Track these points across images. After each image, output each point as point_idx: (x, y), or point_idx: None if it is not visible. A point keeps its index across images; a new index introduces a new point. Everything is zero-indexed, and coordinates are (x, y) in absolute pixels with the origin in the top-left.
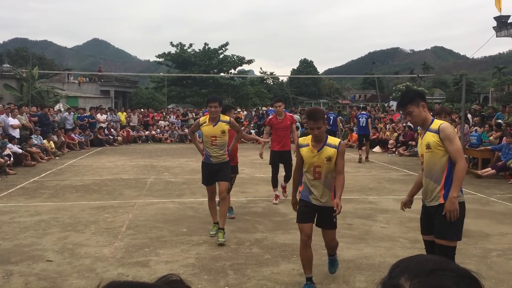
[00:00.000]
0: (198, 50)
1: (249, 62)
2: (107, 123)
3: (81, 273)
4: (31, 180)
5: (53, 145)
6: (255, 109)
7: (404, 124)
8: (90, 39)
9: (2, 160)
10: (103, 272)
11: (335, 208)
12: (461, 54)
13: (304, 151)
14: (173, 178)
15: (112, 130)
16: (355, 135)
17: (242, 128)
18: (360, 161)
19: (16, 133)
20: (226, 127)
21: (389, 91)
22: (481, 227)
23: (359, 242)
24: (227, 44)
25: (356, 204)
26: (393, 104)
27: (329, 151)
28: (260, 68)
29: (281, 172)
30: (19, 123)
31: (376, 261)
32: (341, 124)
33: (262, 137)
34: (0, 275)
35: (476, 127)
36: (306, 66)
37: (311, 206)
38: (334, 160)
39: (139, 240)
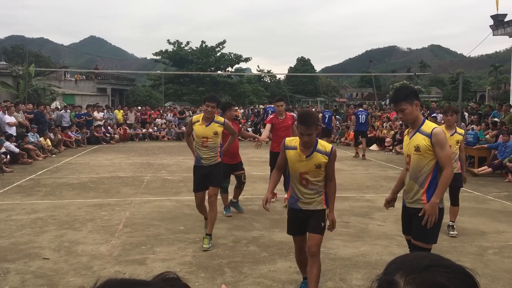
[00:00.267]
0: (195, 48)
1: (246, 60)
2: (104, 121)
3: (77, 271)
4: (28, 178)
5: (49, 143)
6: (251, 107)
7: (401, 122)
8: (87, 36)
9: None
10: (100, 270)
11: (328, 225)
12: (458, 52)
13: (291, 154)
14: (170, 176)
15: (109, 128)
16: (352, 133)
17: (240, 125)
18: (356, 155)
19: (12, 131)
20: (219, 128)
21: (386, 90)
22: (477, 225)
23: (356, 240)
24: (224, 42)
25: (353, 202)
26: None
27: (320, 158)
28: (257, 66)
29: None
30: (15, 120)
31: (373, 259)
32: (337, 122)
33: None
34: None
35: (473, 126)
36: (303, 64)
37: (300, 215)
38: (323, 168)
39: (136, 238)
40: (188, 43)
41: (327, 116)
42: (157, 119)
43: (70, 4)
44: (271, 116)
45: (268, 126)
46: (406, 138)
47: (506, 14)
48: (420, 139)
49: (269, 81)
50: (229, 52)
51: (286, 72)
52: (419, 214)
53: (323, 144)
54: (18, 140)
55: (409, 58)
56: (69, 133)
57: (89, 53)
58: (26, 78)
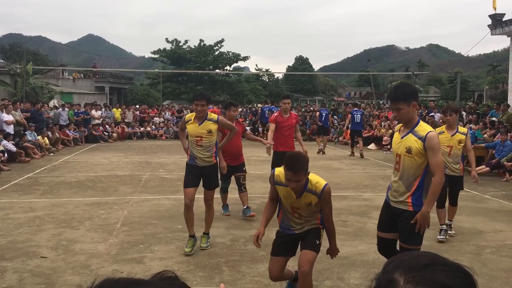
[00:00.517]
0: (193, 47)
1: (245, 58)
2: (102, 119)
3: (75, 270)
4: (25, 176)
5: (47, 141)
6: (250, 106)
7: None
8: (85, 35)
9: None
10: (97, 269)
11: (330, 255)
12: (456, 52)
13: (281, 190)
14: (168, 174)
15: (107, 126)
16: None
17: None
18: (351, 155)
19: (10, 129)
20: (213, 126)
21: (384, 89)
22: (474, 224)
23: (354, 239)
24: (222, 40)
25: (351, 201)
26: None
27: (310, 198)
28: (256, 65)
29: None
30: (13, 119)
31: (371, 257)
32: (335, 122)
33: (265, 138)
34: None
35: (471, 125)
36: (301, 63)
37: (290, 239)
38: (315, 204)
39: (133, 237)
40: (186, 41)
41: (324, 114)
42: (155, 118)
43: (68, 2)
44: (275, 114)
45: (273, 126)
46: (397, 135)
47: (504, 14)
48: (412, 141)
49: (267, 80)
50: (227, 51)
51: (285, 71)
52: (412, 222)
53: (314, 183)
54: (16, 139)
55: (407, 57)
56: (67, 131)
57: (87, 51)
58: (24, 77)
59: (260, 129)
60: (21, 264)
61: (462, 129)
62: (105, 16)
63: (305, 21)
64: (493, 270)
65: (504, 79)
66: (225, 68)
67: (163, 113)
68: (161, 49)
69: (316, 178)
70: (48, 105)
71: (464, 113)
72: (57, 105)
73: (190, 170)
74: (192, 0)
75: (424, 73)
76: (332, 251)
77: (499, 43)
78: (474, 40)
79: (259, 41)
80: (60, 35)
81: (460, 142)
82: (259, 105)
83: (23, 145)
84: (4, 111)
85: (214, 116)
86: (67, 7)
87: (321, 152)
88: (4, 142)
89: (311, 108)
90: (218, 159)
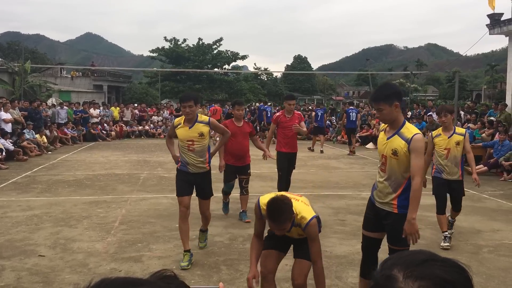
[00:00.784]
0: (192, 45)
1: (243, 57)
2: (100, 118)
3: (73, 268)
4: (23, 175)
5: (45, 140)
6: (248, 105)
7: None
8: (83, 33)
9: None
10: (95, 267)
11: None
12: (455, 51)
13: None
14: (166, 173)
15: (105, 125)
16: None
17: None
18: (351, 153)
19: (8, 128)
20: (204, 129)
21: None
22: (472, 224)
23: (352, 238)
24: (221, 39)
25: (349, 200)
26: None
27: (299, 231)
28: (254, 63)
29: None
30: (11, 117)
31: None
32: (334, 121)
33: (265, 141)
34: None
35: (469, 125)
36: (300, 62)
37: (284, 237)
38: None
39: (132, 236)
40: (185, 40)
41: (319, 114)
42: (153, 117)
43: (66, 1)
44: (278, 114)
45: (273, 127)
46: (382, 136)
47: (502, 13)
48: (398, 143)
49: (265, 79)
50: (226, 50)
51: (283, 70)
52: (403, 236)
53: (300, 217)
54: (13, 137)
55: (406, 57)
56: (65, 130)
57: (86, 49)
58: (22, 75)
59: (258, 127)
60: (19, 263)
61: (460, 129)
62: (104, 14)
63: (304, 20)
64: (491, 269)
65: (502, 78)
66: (224, 67)
67: (162, 112)
68: (160, 47)
69: (302, 211)
70: (46, 104)
71: (462, 112)
72: (55, 104)
73: (181, 177)
74: None
75: (422, 73)
76: None
77: (497, 42)
78: (472, 40)
79: (257, 40)
80: (58, 33)
81: (458, 143)
82: (258, 104)
83: (21, 144)
84: (2, 110)
85: (205, 118)
86: (66, 5)
87: (311, 149)
88: (2, 140)
89: (310, 107)
90: (211, 165)
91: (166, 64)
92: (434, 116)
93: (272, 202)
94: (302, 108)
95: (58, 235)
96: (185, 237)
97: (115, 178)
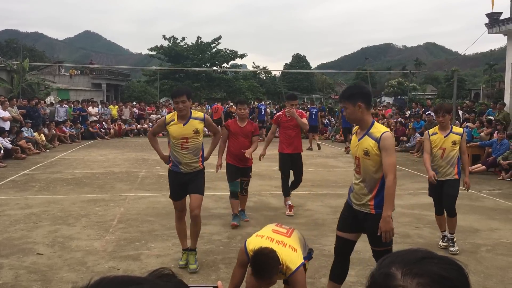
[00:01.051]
0: (190, 44)
1: (242, 56)
2: (98, 116)
3: (71, 266)
4: (22, 173)
5: (43, 138)
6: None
7: (395, 120)
8: (81, 31)
9: None
10: (94, 266)
11: None
12: (453, 50)
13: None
14: (165, 172)
15: (103, 123)
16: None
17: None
18: (346, 150)
19: (6, 126)
20: (199, 125)
21: (381, 87)
22: (470, 223)
23: None
24: (220, 38)
25: None
26: (385, 100)
27: (284, 276)
28: (253, 62)
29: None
30: (9, 115)
31: (367, 255)
32: (333, 119)
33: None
34: None
35: (468, 123)
36: (299, 60)
37: None
38: None
39: (130, 234)
40: (183, 38)
41: (313, 112)
42: (152, 115)
43: None
44: (279, 114)
45: (274, 127)
46: (354, 138)
47: (501, 13)
48: (368, 143)
49: (264, 78)
50: (225, 48)
51: (282, 68)
52: (378, 234)
53: (285, 267)
54: (10, 135)
55: (405, 56)
56: (64, 128)
57: (84, 48)
58: (20, 73)
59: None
60: (17, 261)
61: (457, 129)
62: (102, 12)
63: (303, 18)
64: (489, 268)
65: (501, 77)
66: (223, 65)
67: (160, 110)
68: (158, 46)
69: (287, 261)
70: (45, 102)
71: (460, 111)
72: (53, 102)
73: (173, 180)
74: None
75: (421, 72)
76: None
77: (496, 41)
78: (471, 39)
79: (256, 38)
80: (56, 31)
81: (454, 143)
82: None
83: (18, 142)
84: (1, 108)
85: (200, 114)
86: (64, 3)
87: (310, 149)
88: (0, 138)
89: (308, 106)
90: (204, 164)
91: (165, 62)
92: (433, 115)
93: (255, 259)
94: (300, 107)
95: (56, 233)
96: (183, 237)
97: (114, 177)
